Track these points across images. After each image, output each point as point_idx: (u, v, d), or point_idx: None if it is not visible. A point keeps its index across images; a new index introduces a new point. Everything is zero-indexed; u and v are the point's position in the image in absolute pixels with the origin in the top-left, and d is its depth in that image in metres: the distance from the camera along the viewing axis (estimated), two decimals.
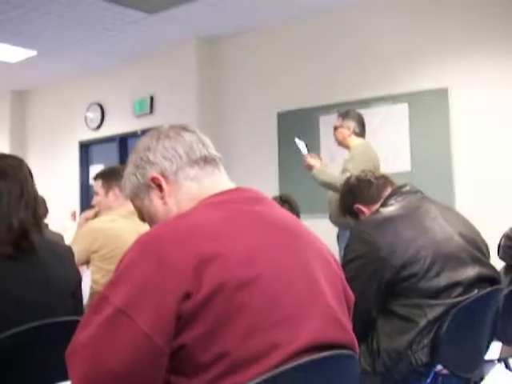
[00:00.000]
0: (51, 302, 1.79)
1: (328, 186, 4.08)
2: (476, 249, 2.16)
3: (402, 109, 5.47)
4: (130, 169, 1.40)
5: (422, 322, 1.99)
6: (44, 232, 1.96)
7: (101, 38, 6.60)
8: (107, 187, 3.16)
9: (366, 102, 5.60)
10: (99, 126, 7.90)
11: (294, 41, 6.21)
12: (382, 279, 2.02)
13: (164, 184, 1.33)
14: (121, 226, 2.97)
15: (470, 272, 2.07)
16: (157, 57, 7.07)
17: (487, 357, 2.27)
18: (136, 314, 1.05)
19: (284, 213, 1.33)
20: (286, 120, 6.23)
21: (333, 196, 4.02)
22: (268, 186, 5.85)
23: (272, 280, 1.14)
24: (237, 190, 1.33)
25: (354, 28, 5.80)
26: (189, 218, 1.19)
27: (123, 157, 7.45)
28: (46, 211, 4.57)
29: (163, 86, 7.00)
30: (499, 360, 2.60)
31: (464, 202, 4.96)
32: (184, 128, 1.39)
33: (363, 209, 2.38)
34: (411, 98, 5.41)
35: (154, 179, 1.34)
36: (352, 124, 4.32)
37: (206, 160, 1.36)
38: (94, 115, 7.93)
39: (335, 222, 4.24)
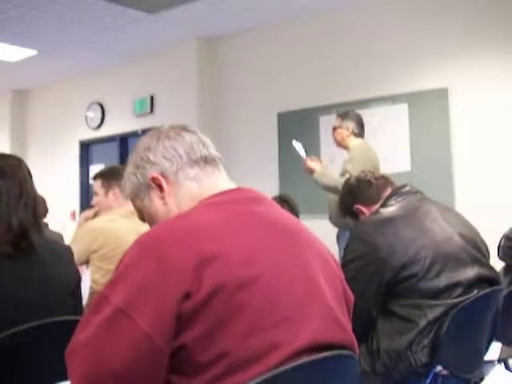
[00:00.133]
0: (51, 302, 1.79)
1: (330, 189, 4.05)
2: (476, 249, 2.16)
3: (402, 109, 5.47)
4: (130, 169, 1.40)
5: (422, 323, 1.99)
6: (43, 231, 1.96)
7: (101, 38, 6.60)
8: (107, 187, 3.16)
9: (366, 103, 5.60)
10: (99, 126, 7.90)
11: (295, 41, 6.21)
12: (381, 279, 2.02)
13: (164, 184, 1.33)
14: (120, 225, 2.97)
15: (470, 272, 2.07)
16: (157, 56, 7.07)
17: (487, 357, 2.27)
18: (136, 314, 1.05)
19: (284, 213, 1.34)
20: (286, 120, 6.23)
21: (333, 197, 4.01)
22: (268, 186, 5.86)
23: (272, 280, 1.14)
24: (237, 190, 1.33)
25: (354, 28, 5.80)
26: (189, 218, 1.19)
27: (123, 156, 7.45)
28: (45, 211, 4.57)
29: (163, 86, 7.00)
30: (499, 360, 2.60)
31: (464, 202, 4.95)
32: (184, 128, 1.40)
33: (363, 209, 2.38)
34: (411, 98, 5.41)
35: (154, 179, 1.34)
36: (351, 124, 4.32)
37: (207, 160, 1.36)
38: (95, 115, 7.94)
39: (335, 223, 4.24)
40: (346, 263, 2.09)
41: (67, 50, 7.01)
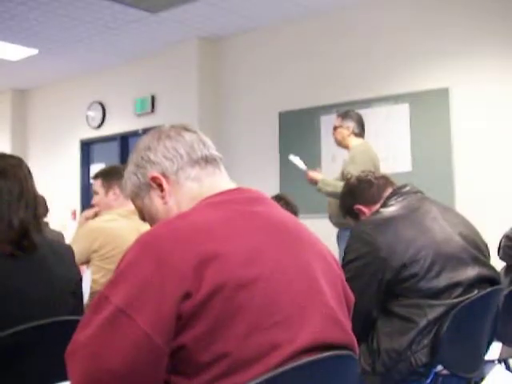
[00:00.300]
0: (53, 301, 1.79)
1: (334, 195, 4.06)
2: (476, 249, 2.16)
3: (403, 109, 5.46)
4: (130, 168, 1.40)
5: (422, 323, 1.98)
6: (44, 231, 1.96)
7: (102, 37, 6.61)
8: (107, 186, 3.15)
9: (367, 102, 5.60)
10: (100, 125, 7.90)
11: (295, 40, 6.21)
12: (382, 279, 2.01)
13: (165, 184, 1.33)
14: (121, 225, 2.97)
15: (470, 272, 2.07)
16: (158, 56, 7.07)
17: (487, 357, 2.27)
18: (136, 314, 1.05)
19: (284, 213, 1.33)
20: (287, 120, 6.23)
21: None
22: (269, 185, 5.86)
23: (272, 280, 1.14)
24: (237, 190, 1.33)
25: (354, 28, 5.80)
26: (189, 218, 1.19)
27: (124, 156, 7.46)
28: (45, 210, 4.57)
29: (164, 85, 7.00)
30: (499, 360, 2.61)
31: (464, 202, 4.95)
32: (185, 128, 1.40)
33: (363, 209, 2.37)
34: (412, 98, 5.41)
35: (154, 179, 1.34)
36: (351, 124, 4.32)
37: (207, 160, 1.36)
38: (95, 114, 7.93)
39: (335, 223, 4.24)
40: (346, 263, 2.09)
41: (68, 50, 7.02)
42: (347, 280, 1.36)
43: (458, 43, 5.17)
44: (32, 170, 1.91)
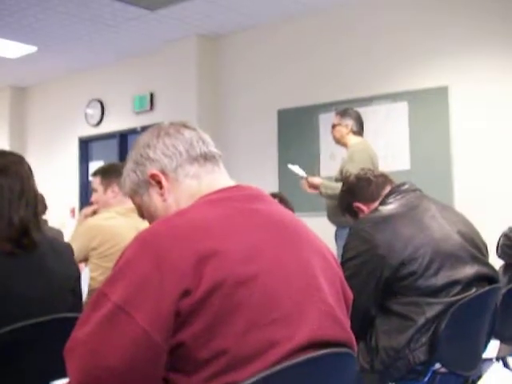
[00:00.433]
0: (52, 298, 1.79)
1: (336, 197, 4.08)
2: (475, 247, 2.16)
3: (402, 107, 5.47)
4: (129, 165, 1.39)
5: (421, 321, 1.99)
6: (43, 228, 1.96)
7: (101, 35, 6.60)
8: (106, 184, 3.15)
9: (366, 101, 5.60)
10: (99, 123, 7.90)
11: (294, 38, 6.21)
12: (380, 277, 2.02)
13: (164, 181, 1.33)
14: (119, 223, 2.97)
15: (469, 270, 2.07)
16: (157, 53, 7.06)
17: (485, 355, 2.27)
18: (135, 311, 1.05)
19: (284, 211, 1.34)
20: (286, 117, 6.23)
21: None
22: (267, 183, 5.86)
23: (271, 277, 1.14)
24: (236, 187, 1.33)
25: (354, 26, 5.80)
26: (188, 215, 1.19)
27: (123, 153, 7.45)
28: (44, 208, 4.56)
29: (163, 83, 7.00)
30: (497, 358, 2.61)
31: (463, 200, 4.96)
32: (184, 125, 1.39)
33: (362, 207, 2.38)
34: (411, 97, 5.41)
35: (153, 176, 1.34)
36: (350, 122, 4.33)
37: (206, 157, 1.36)
38: (94, 111, 7.93)
39: (333, 221, 4.24)
40: (345, 261, 2.10)
41: (67, 47, 7.01)
42: (346, 278, 1.36)
43: (458, 42, 5.17)
44: (31, 167, 1.91)
